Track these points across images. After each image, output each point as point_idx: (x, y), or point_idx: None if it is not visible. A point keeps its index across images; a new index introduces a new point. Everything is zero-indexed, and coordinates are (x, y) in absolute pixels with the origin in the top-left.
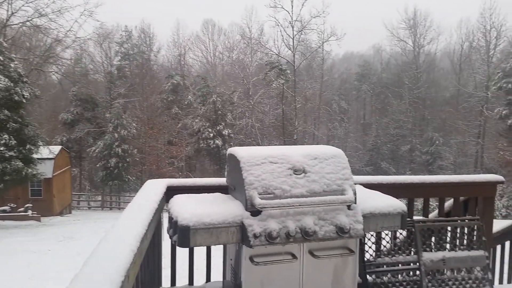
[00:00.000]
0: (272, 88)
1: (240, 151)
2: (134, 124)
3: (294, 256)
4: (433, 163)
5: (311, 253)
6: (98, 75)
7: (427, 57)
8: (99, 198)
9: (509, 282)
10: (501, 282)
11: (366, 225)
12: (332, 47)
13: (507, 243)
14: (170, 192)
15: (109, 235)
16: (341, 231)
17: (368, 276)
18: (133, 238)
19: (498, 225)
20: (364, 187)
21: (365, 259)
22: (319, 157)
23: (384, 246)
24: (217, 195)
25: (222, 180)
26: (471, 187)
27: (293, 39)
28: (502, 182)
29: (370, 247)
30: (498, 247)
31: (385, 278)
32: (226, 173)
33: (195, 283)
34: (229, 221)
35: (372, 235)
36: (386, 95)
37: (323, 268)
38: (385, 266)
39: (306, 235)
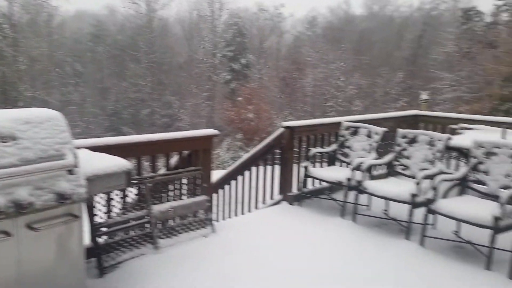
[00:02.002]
0: None
1: None
2: None
3: (8, 234)
4: (172, 125)
5: (29, 226)
6: None
7: (160, 22)
8: None
9: (229, 217)
10: (223, 219)
11: (92, 187)
12: (60, 2)
13: (227, 187)
14: None
15: None
16: (61, 198)
17: (100, 238)
18: None
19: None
20: (92, 150)
21: (96, 222)
22: (32, 121)
23: (115, 206)
24: None
25: None
26: (192, 142)
27: None
28: (216, 135)
29: (100, 210)
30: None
31: (117, 237)
32: None
33: None
34: None
35: (101, 197)
36: (123, 58)
37: (45, 240)
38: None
39: (20, 208)
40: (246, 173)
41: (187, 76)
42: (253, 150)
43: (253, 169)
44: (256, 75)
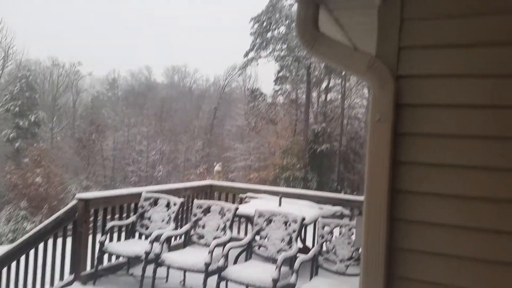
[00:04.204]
0: None
1: None
2: None
3: None
4: None
5: None
6: None
7: None
8: None
9: None
10: None
11: None
12: None
13: (5, 270)
14: None
15: None
16: None
17: None
18: None
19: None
20: None
21: None
22: None
23: None
24: None
25: None
26: None
27: None
28: None
29: None
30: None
31: None
32: None
33: None
34: None
35: None
36: None
37: None
38: None
39: None
40: (31, 252)
41: None
42: (39, 226)
43: (41, 245)
44: (48, 134)
